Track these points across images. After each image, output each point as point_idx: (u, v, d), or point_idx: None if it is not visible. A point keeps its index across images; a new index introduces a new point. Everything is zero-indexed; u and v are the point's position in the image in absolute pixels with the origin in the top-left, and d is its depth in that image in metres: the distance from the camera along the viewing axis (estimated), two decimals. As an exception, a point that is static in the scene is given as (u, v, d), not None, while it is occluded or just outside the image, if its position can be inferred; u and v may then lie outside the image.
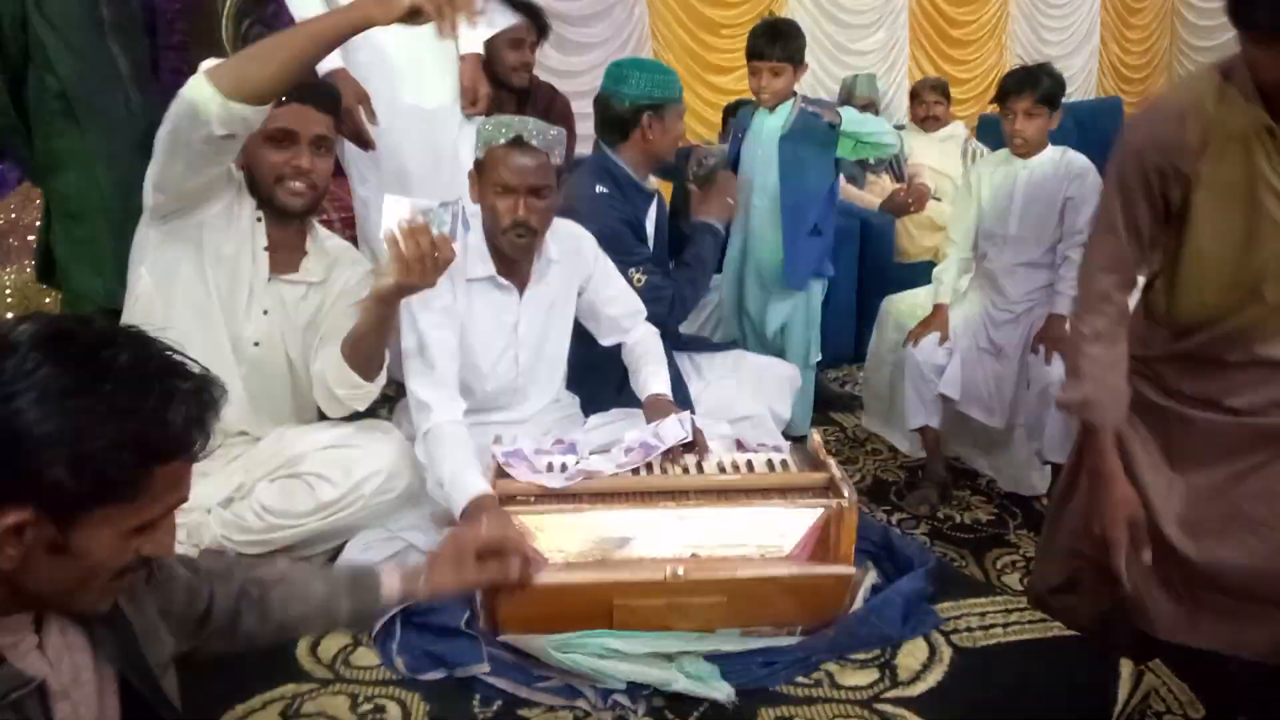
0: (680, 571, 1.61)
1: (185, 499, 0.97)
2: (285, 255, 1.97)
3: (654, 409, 2.03)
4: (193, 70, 2.04)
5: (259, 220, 1.93)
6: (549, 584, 1.58)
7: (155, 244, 1.88)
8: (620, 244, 2.35)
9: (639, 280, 2.35)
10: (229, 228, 1.90)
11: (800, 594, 1.67)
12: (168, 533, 0.97)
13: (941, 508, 2.87)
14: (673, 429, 1.86)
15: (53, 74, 2.25)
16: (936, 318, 2.89)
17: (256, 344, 1.95)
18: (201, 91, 1.61)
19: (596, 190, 2.43)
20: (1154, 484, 1.68)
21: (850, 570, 1.68)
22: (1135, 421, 1.70)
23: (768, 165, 2.96)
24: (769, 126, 2.96)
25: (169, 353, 0.93)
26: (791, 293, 3.03)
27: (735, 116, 3.24)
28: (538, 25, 3.53)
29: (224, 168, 1.82)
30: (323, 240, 2.07)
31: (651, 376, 2.13)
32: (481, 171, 1.97)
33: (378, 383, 1.96)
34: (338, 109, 1.99)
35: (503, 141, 1.91)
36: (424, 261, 1.73)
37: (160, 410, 0.89)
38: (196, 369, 0.95)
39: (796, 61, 2.91)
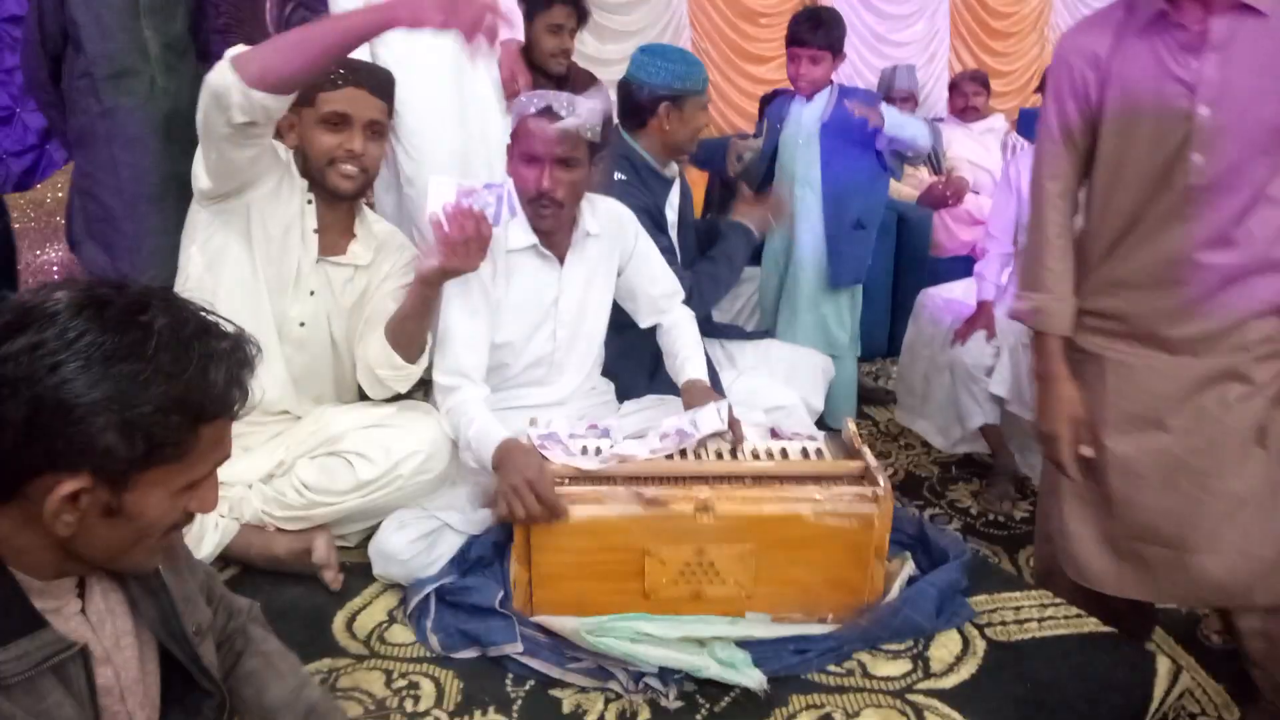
0: (706, 496, 1.65)
1: (228, 455, 0.99)
2: (333, 238, 1.99)
3: (692, 394, 2.02)
4: None
5: (309, 203, 1.95)
6: (581, 519, 1.65)
7: (205, 224, 1.90)
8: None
9: None
10: (278, 209, 1.91)
11: (827, 543, 1.67)
12: (212, 489, 0.99)
13: (1020, 504, 2.85)
14: (710, 419, 1.86)
15: (82, 52, 2.28)
16: (982, 315, 2.86)
17: (302, 324, 1.98)
18: (225, 78, 1.63)
19: (615, 177, 2.43)
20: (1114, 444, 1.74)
21: (874, 510, 1.66)
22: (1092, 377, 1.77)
23: (809, 156, 2.95)
24: (807, 115, 2.95)
25: (203, 313, 0.95)
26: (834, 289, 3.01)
27: (770, 107, 3.22)
28: (578, 11, 3.53)
29: (255, 153, 1.81)
30: (371, 224, 2.08)
31: (689, 361, 2.13)
32: (512, 142, 1.98)
33: (420, 364, 1.98)
34: (392, 95, 2.01)
35: (533, 111, 1.92)
36: (468, 245, 1.75)
37: (202, 371, 0.90)
38: (230, 328, 0.96)
39: (836, 50, 2.91)
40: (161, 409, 0.88)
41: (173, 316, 0.91)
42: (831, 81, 2.96)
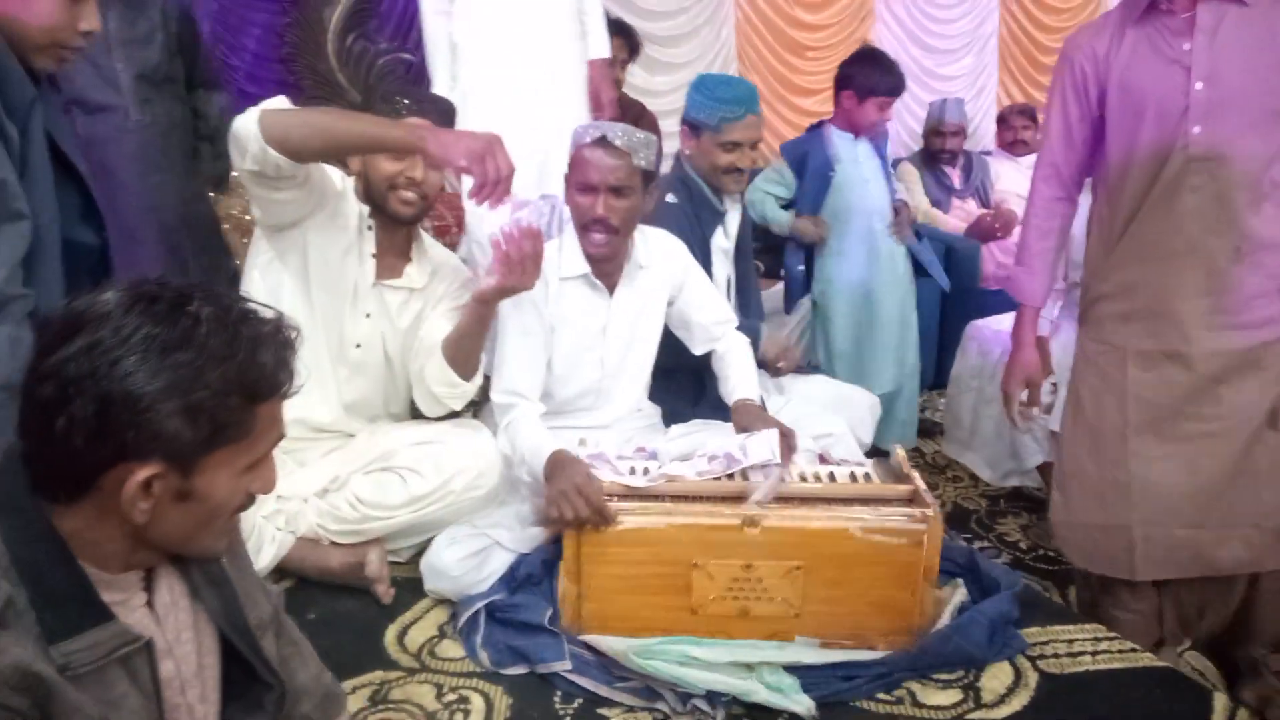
0: (756, 508, 1.66)
1: (284, 434, 1.02)
2: (391, 261, 2.04)
3: (742, 414, 2.03)
4: (298, 81, 2.10)
5: (369, 228, 2.00)
6: (630, 527, 1.66)
7: (265, 251, 1.96)
8: None
9: None
10: (335, 235, 1.96)
11: (877, 557, 1.66)
12: (271, 470, 1.03)
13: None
14: (759, 449, 1.85)
15: (57, 87, 2.26)
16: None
17: (358, 346, 2.02)
18: (248, 127, 1.69)
19: (667, 199, 2.46)
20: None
21: (921, 526, 1.65)
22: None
23: (879, 187, 3.05)
24: (863, 151, 3.04)
25: (242, 301, 0.99)
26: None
27: (810, 149, 3.23)
28: (629, 44, 3.59)
29: (285, 194, 1.83)
30: (427, 248, 2.13)
31: (741, 381, 2.14)
32: (569, 170, 2.01)
33: (474, 382, 2.02)
34: (453, 123, 2.06)
35: (588, 141, 1.95)
36: (525, 263, 1.79)
37: (252, 353, 0.94)
38: (269, 313, 1.00)
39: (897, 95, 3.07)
40: (221, 392, 0.91)
41: (216, 305, 0.95)
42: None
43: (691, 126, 2.47)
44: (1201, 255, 1.75)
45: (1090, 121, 1.87)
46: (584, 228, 1.99)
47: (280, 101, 1.75)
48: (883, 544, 1.66)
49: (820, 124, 3.27)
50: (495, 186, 1.66)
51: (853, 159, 3.06)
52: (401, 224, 2.01)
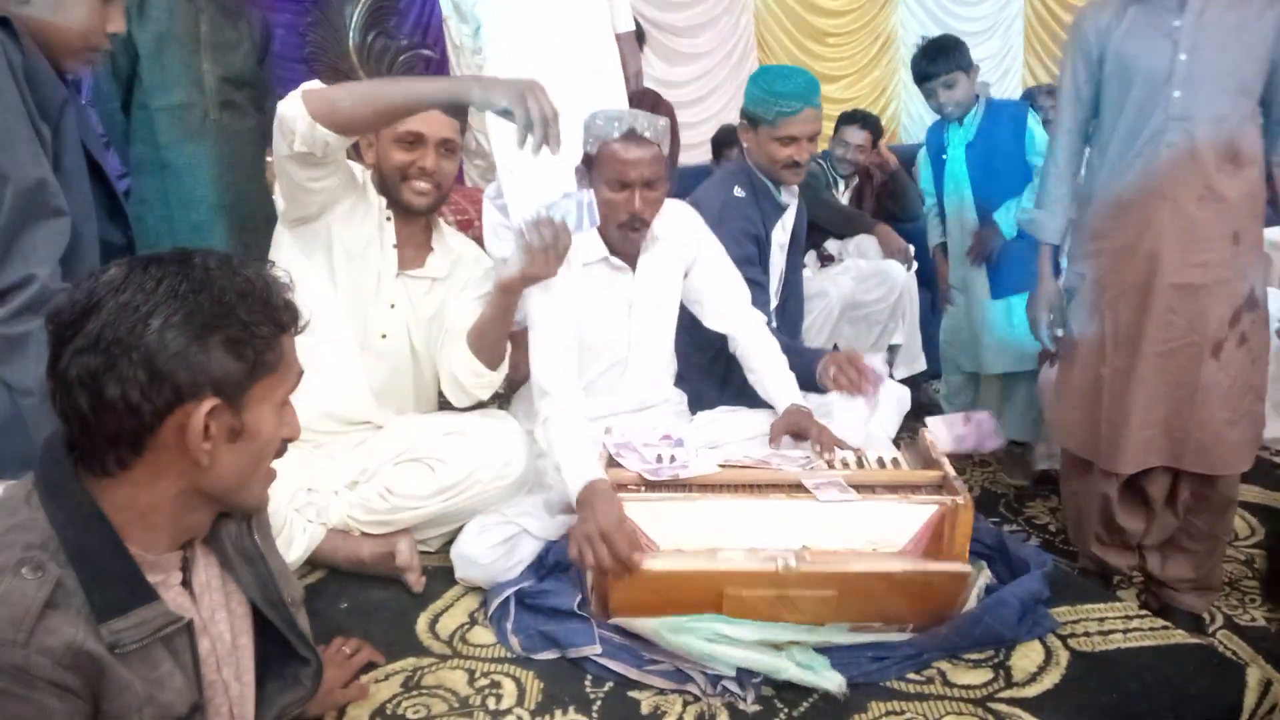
0: (792, 563, 1.62)
1: (301, 373, 1.08)
2: (412, 251, 2.06)
3: (793, 419, 2.01)
4: (321, 79, 2.10)
5: (388, 219, 2.02)
6: (658, 570, 1.62)
7: (289, 245, 1.99)
8: (730, 245, 2.37)
9: None
10: (356, 226, 1.99)
11: (912, 591, 1.65)
12: (295, 415, 1.09)
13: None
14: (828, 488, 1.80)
15: (140, 82, 2.32)
16: None
17: (384, 336, 2.04)
18: (294, 108, 1.71)
19: (735, 192, 2.46)
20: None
21: (966, 568, 1.66)
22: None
23: (960, 176, 3.03)
24: (957, 140, 3.04)
25: (225, 256, 1.04)
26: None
27: (929, 140, 3.27)
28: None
29: (321, 179, 1.87)
30: (448, 238, 2.15)
31: (782, 384, 2.11)
32: (593, 165, 2.00)
33: (500, 371, 2.03)
34: (464, 113, 2.07)
35: (616, 135, 1.94)
36: (547, 252, 1.80)
37: (265, 289, 1.01)
38: (251, 262, 1.05)
39: (966, 67, 2.96)
40: (252, 323, 0.98)
41: (214, 256, 1.01)
42: (978, 97, 3.01)
43: (749, 120, 2.47)
44: (1170, 200, 2.03)
45: (1094, 83, 2.16)
46: (619, 224, 1.99)
47: (316, 84, 1.77)
48: (924, 580, 1.64)
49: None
50: (543, 128, 1.66)
51: (954, 146, 3.07)
52: (417, 214, 2.03)
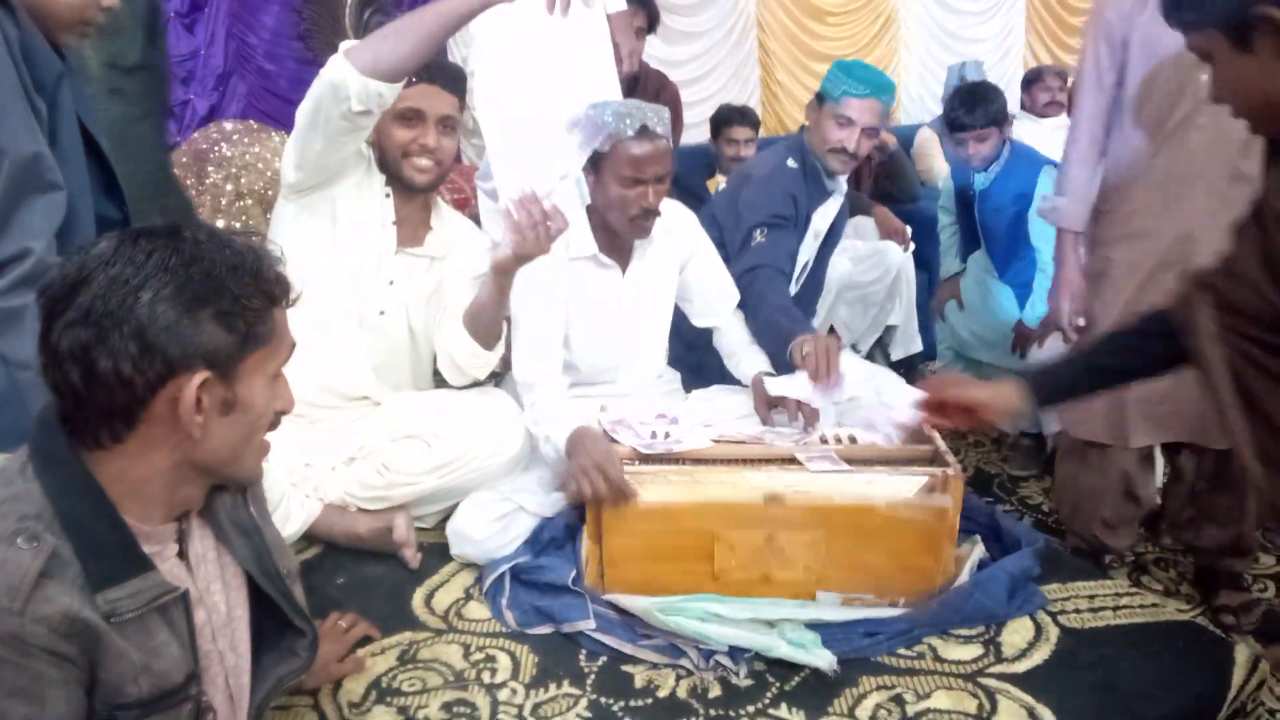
0: (779, 489, 1.66)
1: (294, 345, 1.09)
2: (411, 229, 2.06)
3: (761, 390, 2.06)
4: (318, 56, 2.06)
5: (388, 196, 2.02)
6: (651, 505, 1.67)
7: (291, 218, 1.98)
8: (772, 200, 2.41)
9: (759, 236, 2.38)
10: (360, 201, 1.99)
11: (896, 533, 1.67)
12: (288, 388, 1.09)
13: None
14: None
15: None
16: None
17: (382, 313, 2.05)
18: (342, 71, 1.71)
19: (788, 162, 2.50)
20: None
21: (946, 502, 1.66)
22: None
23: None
24: (978, 182, 3.10)
25: (215, 229, 1.05)
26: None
27: (955, 176, 3.32)
28: (647, 12, 3.56)
29: (359, 144, 1.92)
30: (446, 216, 2.15)
31: (753, 359, 2.16)
32: (603, 161, 1.98)
33: (497, 351, 2.04)
34: (464, 90, 2.06)
35: (630, 133, 1.93)
36: (536, 229, 1.80)
37: (256, 262, 1.01)
38: (241, 235, 1.05)
39: (1001, 121, 2.99)
40: (244, 295, 0.98)
41: (203, 230, 1.01)
42: (1005, 142, 3.05)
43: (818, 98, 2.51)
44: (1204, 180, 2.02)
45: (1117, 67, 2.13)
46: (632, 218, 1.99)
47: (352, 42, 1.77)
48: (908, 517, 1.66)
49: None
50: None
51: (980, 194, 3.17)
52: (418, 191, 2.03)
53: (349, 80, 1.70)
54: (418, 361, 2.15)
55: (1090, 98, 2.18)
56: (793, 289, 2.62)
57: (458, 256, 2.13)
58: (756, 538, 1.68)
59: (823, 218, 2.57)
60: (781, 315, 2.20)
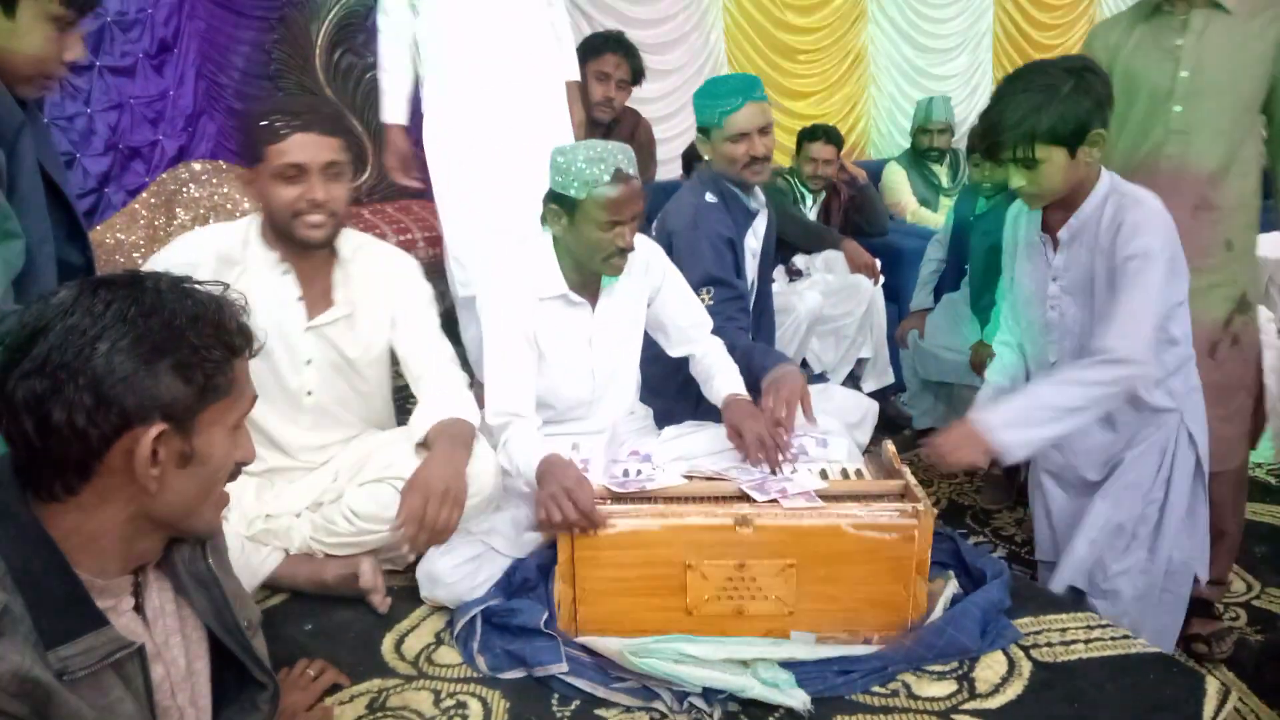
0: (748, 512, 1.67)
1: (256, 396, 1.08)
2: (319, 293, 1.95)
3: (735, 410, 2.04)
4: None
5: (286, 273, 1.92)
6: (621, 530, 1.67)
7: None
8: (704, 260, 2.39)
9: (706, 298, 2.37)
10: (256, 289, 1.85)
11: (866, 554, 1.67)
12: (249, 439, 1.08)
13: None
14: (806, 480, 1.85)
15: None
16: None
17: (310, 393, 1.98)
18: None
19: (706, 198, 2.48)
20: None
21: (912, 521, 1.66)
22: None
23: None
24: (980, 205, 3.18)
25: (177, 279, 1.03)
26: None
27: (960, 206, 3.34)
28: (629, 64, 3.57)
29: None
30: (347, 263, 2.00)
31: (726, 381, 2.16)
32: (578, 207, 1.95)
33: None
34: (344, 126, 2.00)
35: (607, 179, 1.92)
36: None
37: (218, 311, 1.00)
38: (207, 285, 1.04)
39: None
40: (204, 346, 0.97)
41: (165, 279, 0.99)
42: None
43: (702, 132, 2.50)
44: (1171, 209, 1.98)
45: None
46: (607, 258, 1.99)
47: None
48: (875, 539, 1.67)
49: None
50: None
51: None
52: (317, 249, 1.92)
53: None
54: (368, 412, 2.09)
55: None
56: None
57: (380, 300, 2.02)
58: (728, 567, 1.68)
59: (755, 238, 2.59)
60: (752, 354, 2.24)
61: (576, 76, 3.04)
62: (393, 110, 2.85)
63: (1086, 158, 1.83)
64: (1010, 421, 1.82)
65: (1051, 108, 1.78)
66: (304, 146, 1.81)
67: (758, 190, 2.60)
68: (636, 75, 3.62)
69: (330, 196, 1.85)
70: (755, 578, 1.68)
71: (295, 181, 1.82)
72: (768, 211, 2.63)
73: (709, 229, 2.41)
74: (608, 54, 3.49)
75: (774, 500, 1.73)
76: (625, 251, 1.99)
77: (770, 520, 1.68)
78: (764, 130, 2.45)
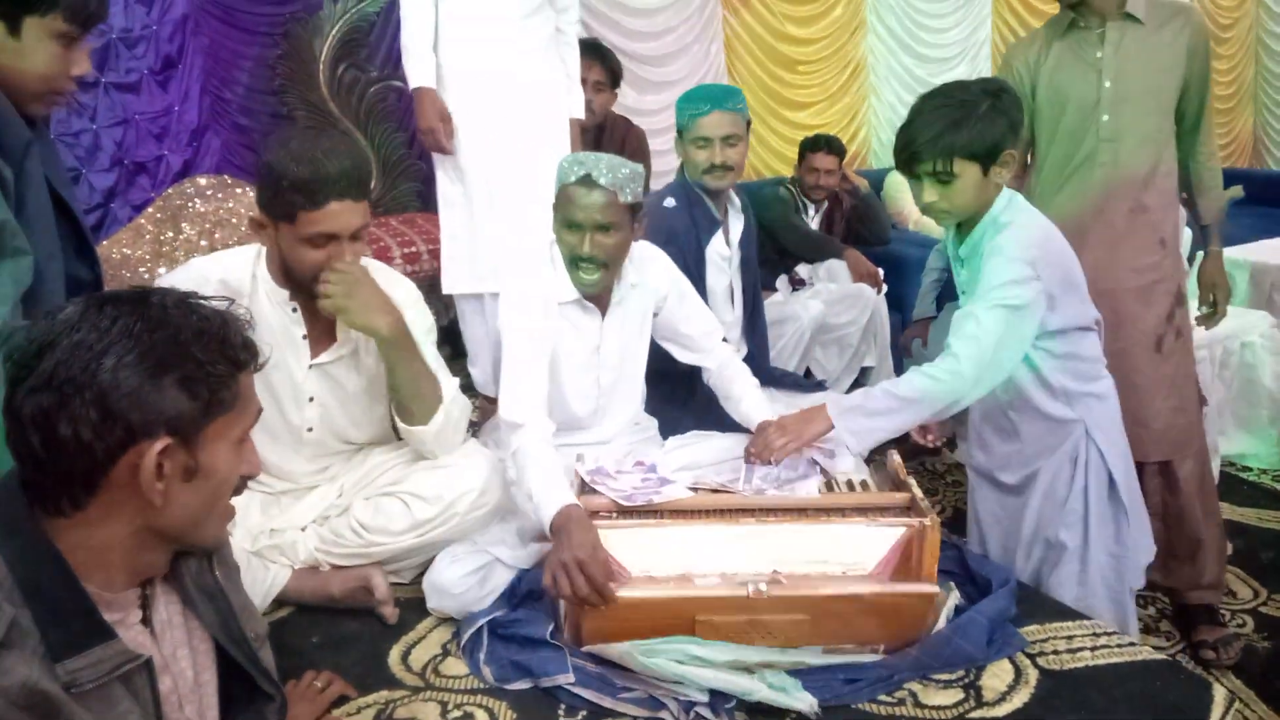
0: (763, 588, 1.63)
1: (260, 409, 1.09)
2: (322, 329, 1.95)
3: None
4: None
5: (295, 310, 1.92)
6: (632, 599, 1.63)
7: None
8: None
9: None
10: (263, 329, 1.81)
11: (883, 613, 1.66)
12: (254, 452, 1.09)
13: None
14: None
15: None
16: None
17: (310, 429, 1.98)
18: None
19: (665, 203, 2.55)
20: None
21: (934, 589, 1.67)
22: None
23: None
24: None
25: (183, 295, 1.03)
26: None
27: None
28: (607, 70, 3.59)
29: None
30: None
31: (755, 405, 2.13)
32: (555, 205, 2.02)
33: (442, 413, 1.94)
34: (369, 181, 1.99)
35: (573, 180, 1.95)
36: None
37: (223, 325, 1.01)
38: (212, 301, 1.05)
39: None
40: (209, 361, 0.98)
41: (171, 295, 1.00)
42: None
43: (678, 134, 2.59)
44: (1106, 215, 2.20)
45: (1028, 113, 2.27)
46: (573, 263, 2.00)
47: None
48: (894, 603, 1.66)
49: None
50: None
51: None
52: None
53: None
54: (372, 434, 2.08)
55: None
56: (739, 319, 2.69)
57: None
58: (739, 620, 1.64)
59: (724, 244, 2.61)
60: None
61: (581, 115, 3.10)
62: (421, 72, 2.76)
63: (997, 177, 1.86)
64: (851, 407, 1.88)
65: (970, 124, 1.81)
66: (338, 216, 1.78)
67: (733, 197, 2.63)
68: (614, 78, 3.65)
69: (355, 257, 1.84)
70: (767, 625, 1.65)
71: (323, 247, 1.80)
72: (746, 219, 2.65)
73: (658, 233, 2.41)
74: (584, 59, 3.51)
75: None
76: (588, 261, 1.97)
77: (785, 592, 1.63)
78: (728, 139, 2.51)
